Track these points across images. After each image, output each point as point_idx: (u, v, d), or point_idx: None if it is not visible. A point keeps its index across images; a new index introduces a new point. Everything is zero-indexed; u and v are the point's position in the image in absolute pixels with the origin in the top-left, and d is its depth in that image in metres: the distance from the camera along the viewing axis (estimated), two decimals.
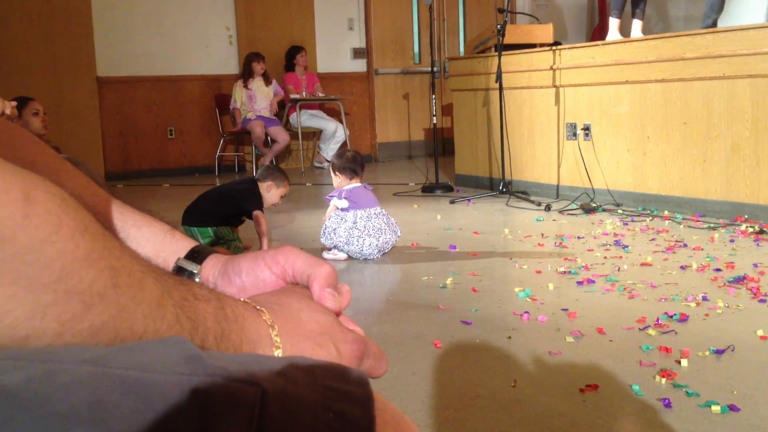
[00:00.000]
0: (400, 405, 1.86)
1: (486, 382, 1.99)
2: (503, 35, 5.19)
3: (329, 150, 7.94)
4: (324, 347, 0.55)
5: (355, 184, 3.66)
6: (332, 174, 3.78)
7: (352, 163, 3.69)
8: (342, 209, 3.60)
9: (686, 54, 4.28)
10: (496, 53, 5.27)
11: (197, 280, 0.64)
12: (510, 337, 2.34)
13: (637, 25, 5.63)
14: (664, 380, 1.93)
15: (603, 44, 4.85)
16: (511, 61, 5.48)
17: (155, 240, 0.67)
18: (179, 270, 0.65)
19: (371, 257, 3.56)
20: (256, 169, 7.76)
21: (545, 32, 6.21)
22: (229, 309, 0.52)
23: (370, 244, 3.51)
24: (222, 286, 0.63)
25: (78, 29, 7.29)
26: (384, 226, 3.57)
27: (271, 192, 3.81)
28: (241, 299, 0.56)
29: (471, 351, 2.24)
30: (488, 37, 6.13)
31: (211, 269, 0.65)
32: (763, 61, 3.91)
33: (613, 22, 5.72)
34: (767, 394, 1.84)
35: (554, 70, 5.16)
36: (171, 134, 7.85)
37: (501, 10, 5.56)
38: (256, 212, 3.73)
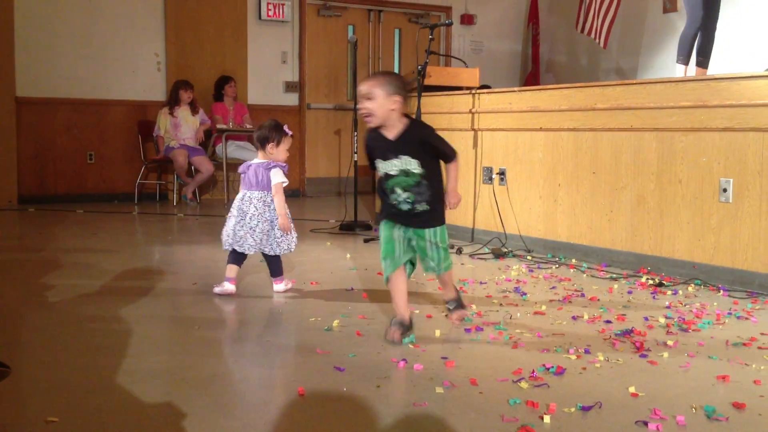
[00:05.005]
0: None
1: None
2: (423, 76, 5.18)
3: None
4: None
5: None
6: (266, 148, 3.50)
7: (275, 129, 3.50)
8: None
9: (597, 104, 4.30)
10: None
11: None
12: (379, 386, 2.24)
13: (701, 74, 5.44)
14: None
15: (520, 90, 4.87)
16: (432, 102, 5.47)
17: None
18: None
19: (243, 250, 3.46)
20: (178, 198, 7.61)
21: (472, 76, 6.24)
22: None
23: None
24: None
25: None
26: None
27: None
28: None
29: (333, 400, 2.13)
30: (414, 78, 6.12)
31: None
32: (668, 116, 3.94)
33: (680, 69, 5.52)
34: None
35: (473, 114, 5.15)
36: (91, 159, 7.62)
37: (430, 52, 5.57)
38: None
